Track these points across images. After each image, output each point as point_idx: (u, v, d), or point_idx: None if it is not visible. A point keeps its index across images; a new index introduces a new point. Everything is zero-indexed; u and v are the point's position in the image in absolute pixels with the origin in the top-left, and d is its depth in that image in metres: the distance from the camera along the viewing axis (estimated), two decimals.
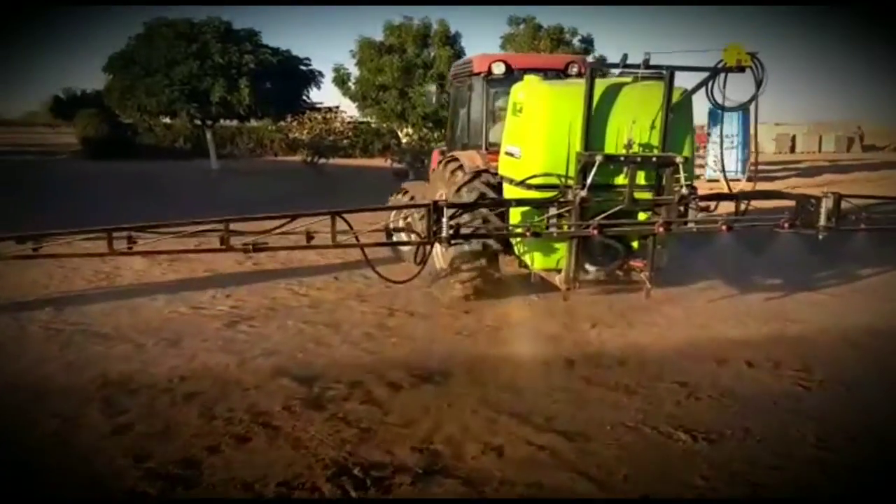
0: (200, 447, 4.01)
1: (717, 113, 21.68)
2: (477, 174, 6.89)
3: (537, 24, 21.09)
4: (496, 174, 6.84)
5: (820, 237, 6.28)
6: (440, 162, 7.91)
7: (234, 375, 5.16)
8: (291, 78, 25.71)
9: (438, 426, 4.34)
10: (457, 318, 6.78)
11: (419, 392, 4.92)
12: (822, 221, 6.08)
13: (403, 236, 7.54)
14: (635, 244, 6.41)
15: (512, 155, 6.42)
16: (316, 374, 5.21)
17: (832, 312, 7.09)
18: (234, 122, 29.42)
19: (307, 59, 26.38)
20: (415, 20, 23.75)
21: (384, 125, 28.30)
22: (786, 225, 6.20)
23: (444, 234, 5.55)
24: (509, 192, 6.40)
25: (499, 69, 7.39)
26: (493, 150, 7.30)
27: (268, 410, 4.52)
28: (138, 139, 33.75)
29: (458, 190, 6.85)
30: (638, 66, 5.72)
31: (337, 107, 28.03)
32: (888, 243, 8.70)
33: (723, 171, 7.03)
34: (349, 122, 28.29)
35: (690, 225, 6.08)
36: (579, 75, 6.91)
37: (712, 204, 6.51)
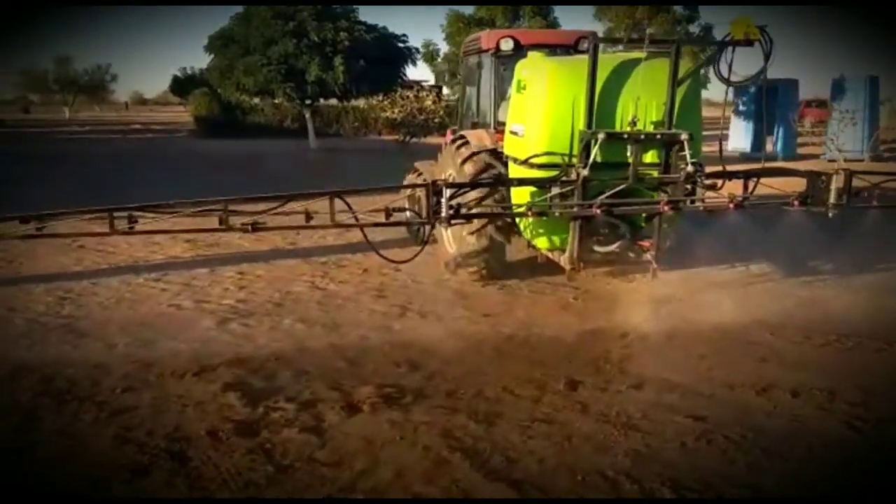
0: (91, 479, 3.51)
1: (841, 85, 19.97)
2: (488, 165, 6.65)
3: None
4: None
5: (830, 215, 6.01)
6: (450, 141, 7.72)
7: (184, 387, 4.62)
8: (387, 55, 25.11)
9: (373, 467, 3.63)
10: (473, 323, 6.04)
11: (376, 418, 4.21)
12: (833, 199, 5.86)
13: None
14: (643, 224, 6.16)
15: (516, 133, 6.18)
16: (274, 388, 4.62)
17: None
18: (334, 102, 29.32)
19: (404, 35, 25.82)
20: None
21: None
22: (796, 203, 6.00)
23: (443, 213, 5.40)
24: (514, 171, 6.18)
25: (507, 45, 7.11)
26: (501, 129, 6.86)
27: (190, 435, 3.96)
28: (248, 118, 34.59)
29: (463, 163, 6.74)
30: (642, 41, 5.61)
31: (428, 83, 27.29)
32: None
33: (720, 147, 6.43)
34: (441, 100, 27.07)
35: (697, 203, 5.89)
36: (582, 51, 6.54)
37: (719, 182, 6.20)
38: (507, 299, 6.77)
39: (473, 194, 6.16)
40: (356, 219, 5.66)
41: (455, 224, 5.98)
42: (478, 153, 6.74)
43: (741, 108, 22.57)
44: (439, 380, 4.80)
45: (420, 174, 8.50)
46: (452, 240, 7.30)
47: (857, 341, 5.50)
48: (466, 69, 8.50)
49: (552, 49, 6.75)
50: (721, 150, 6.45)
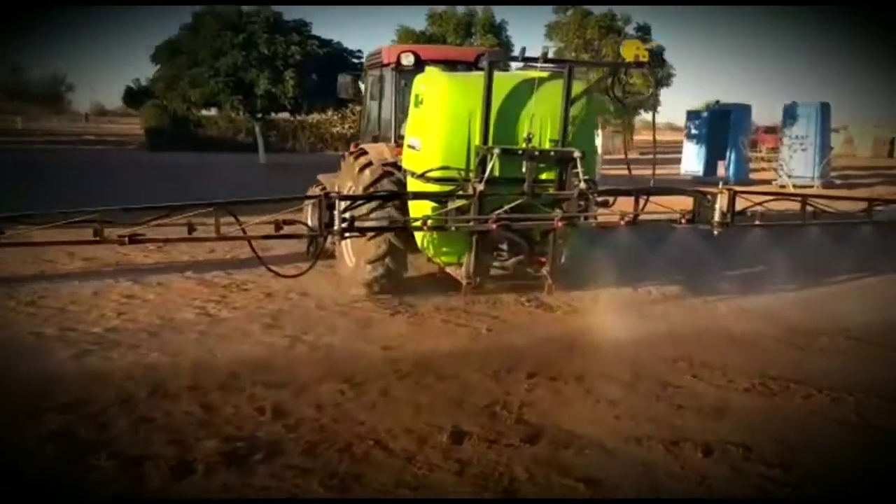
0: None
1: (793, 111, 19.89)
2: (385, 174, 6.65)
3: (585, 10, 19.02)
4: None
5: (715, 233, 6.09)
6: (349, 154, 7.72)
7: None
8: (340, 70, 24.40)
9: None
10: (367, 357, 5.39)
11: (207, 482, 3.49)
12: (717, 217, 5.98)
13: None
14: (538, 240, 6.14)
15: (413, 147, 6.21)
16: (103, 440, 3.89)
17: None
18: (286, 115, 28.58)
19: (359, 51, 25.02)
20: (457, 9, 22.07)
21: None
22: (683, 220, 6.14)
23: (336, 226, 5.25)
24: (412, 185, 6.17)
25: (407, 60, 7.15)
26: (401, 142, 6.79)
27: None
28: (200, 131, 33.67)
29: (360, 174, 6.80)
30: (537, 60, 5.66)
31: None
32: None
33: (626, 161, 7.20)
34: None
35: (590, 220, 5.94)
36: (478, 69, 6.43)
37: (611, 199, 6.29)
38: (414, 329, 6.16)
39: (370, 205, 6.03)
40: (243, 231, 5.28)
41: (353, 236, 5.86)
42: (372, 164, 6.76)
43: (693, 131, 22.44)
44: (305, 430, 4.13)
45: (323, 187, 8.18)
46: (352, 253, 7.17)
47: (784, 385, 4.98)
48: (369, 83, 8.49)
49: (453, 65, 6.64)
50: (628, 169, 6.87)
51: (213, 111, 28.72)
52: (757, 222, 6.21)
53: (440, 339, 5.90)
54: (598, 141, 15.22)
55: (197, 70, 22.75)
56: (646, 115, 19.98)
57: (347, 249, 7.29)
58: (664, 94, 22.60)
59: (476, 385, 4.92)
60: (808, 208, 6.72)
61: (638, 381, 5.04)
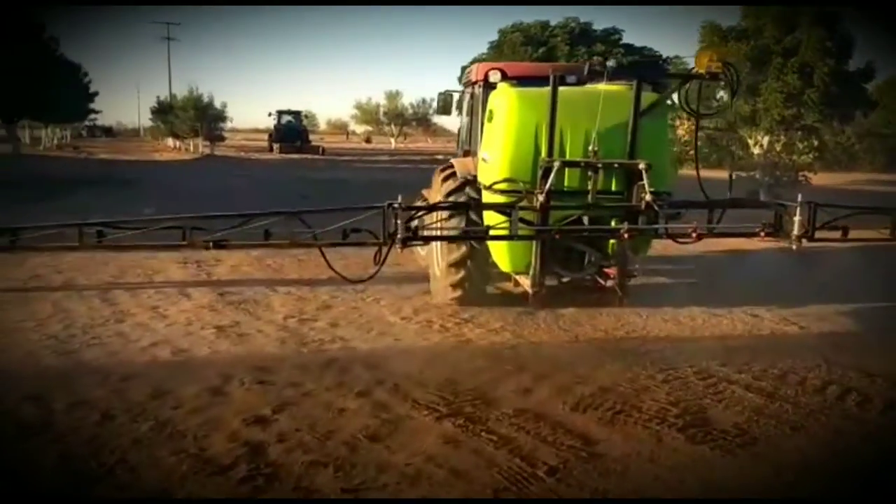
0: None
1: None
2: (461, 186, 6.93)
3: None
4: None
5: (793, 247, 5.91)
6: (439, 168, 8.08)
7: None
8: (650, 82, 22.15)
9: None
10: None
11: None
12: (797, 231, 5.77)
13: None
14: (609, 251, 6.26)
15: (485, 160, 6.42)
16: None
17: None
18: None
19: (676, 57, 22.62)
20: None
21: (723, 131, 20.51)
22: (762, 234, 6.01)
23: (400, 235, 5.40)
24: (485, 196, 6.35)
25: (494, 77, 7.17)
26: None
27: None
28: None
29: (442, 186, 7.19)
30: (603, 74, 5.59)
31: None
32: None
33: (697, 175, 6.27)
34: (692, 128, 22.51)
35: (660, 231, 5.92)
36: (579, 83, 6.39)
37: (683, 211, 6.24)
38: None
39: (442, 215, 6.32)
40: (314, 237, 5.62)
41: (413, 245, 6.01)
42: (453, 177, 7.11)
43: None
44: None
45: (424, 199, 8.51)
46: (439, 261, 7.45)
47: None
48: (464, 99, 8.80)
49: (538, 81, 6.33)
50: (700, 180, 6.22)
51: None
52: (840, 235, 5.89)
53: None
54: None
55: None
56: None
57: (435, 260, 7.60)
58: None
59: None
60: None
61: None
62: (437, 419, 4.56)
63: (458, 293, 7.10)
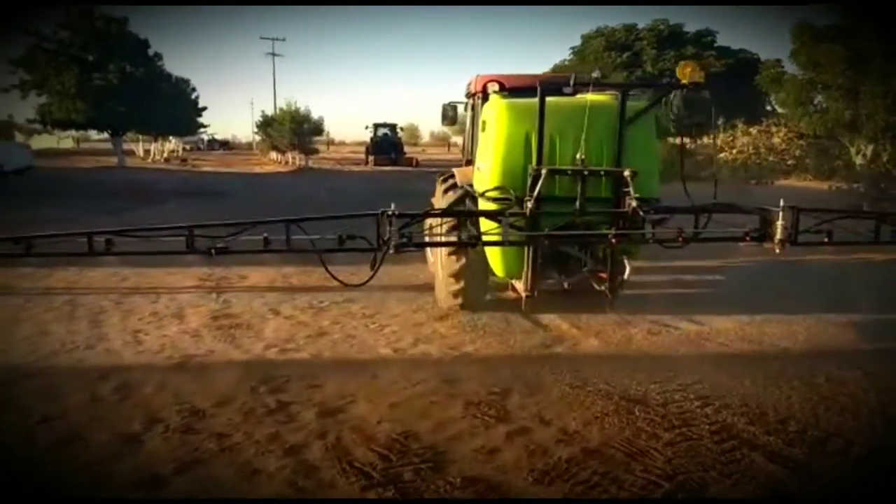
0: None
1: None
2: (464, 196, 7.07)
3: None
4: None
5: (777, 251, 5.70)
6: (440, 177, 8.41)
7: None
8: (745, 82, 20.43)
9: None
10: None
11: None
12: (779, 235, 5.64)
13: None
14: (600, 255, 6.45)
15: (480, 169, 6.62)
16: None
17: None
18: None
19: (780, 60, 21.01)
20: None
21: (822, 139, 18.68)
22: (747, 238, 5.89)
23: (393, 241, 5.34)
24: (480, 204, 6.43)
25: (492, 89, 7.26)
26: None
27: None
28: None
29: (443, 196, 7.52)
30: (588, 84, 5.65)
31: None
32: None
33: (683, 183, 6.10)
34: (791, 136, 19.93)
35: (647, 236, 6.02)
36: (575, 93, 6.23)
37: (669, 217, 6.18)
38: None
39: (440, 223, 6.43)
40: (312, 244, 5.52)
41: (408, 251, 5.80)
42: (455, 187, 7.42)
43: None
44: None
45: (432, 207, 8.59)
46: (440, 270, 7.59)
47: None
48: (467, 110, 9.00)
49: (533, 92, 6.36)
50: (685, 186, 6.06)
51: None
52: (825, 239, 5.72)
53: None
54: None
55: None
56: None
57: (439, 269, 7.75)
58: None
59: None
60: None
61: None
62: (363, 489, 3.74)
63: (459, 300, 7.32)
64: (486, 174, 6.31)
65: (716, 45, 21.88)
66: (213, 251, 5.38)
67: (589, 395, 5.13)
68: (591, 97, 5.98)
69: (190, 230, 5.43)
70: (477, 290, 7.30)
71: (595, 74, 5.64)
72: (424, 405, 4.92)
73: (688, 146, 27.03)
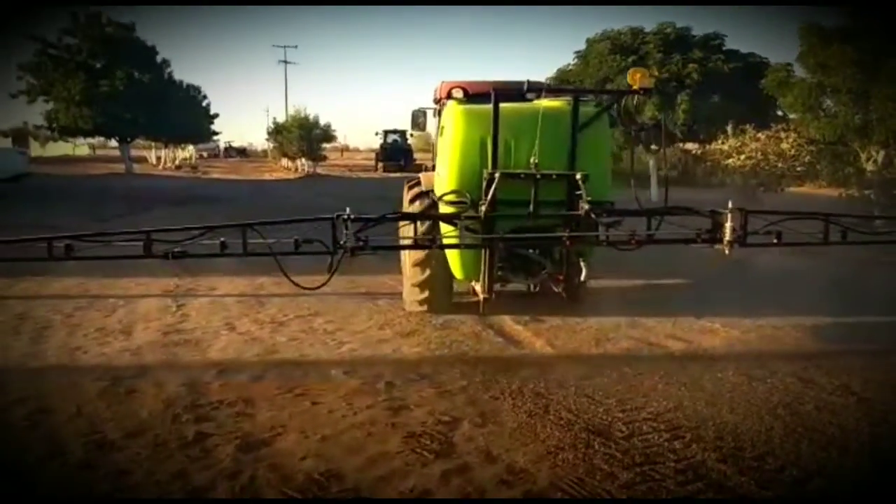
0: None
1: None
2: (433, 202, 6.87)
3: None
4: None
5: (727, 252, 5.63)
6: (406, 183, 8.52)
7: None
8: (750, 89, 19.50)
9: None
10: None
11: None
12: (728, 237, 5.58)
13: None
14: (556, 258, 6.58)
15: (439, 174, 6.81)
16: None
17: None
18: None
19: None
20: None
21: (826, 145, 17.60)
22: (699, 240, 5.89)
23: (349, 244, 5.28)
24: (440, 208, 6.42)
25: (457, 94, 7.21)
26: None
27: None
28: None
29: (410, 203, 7.61)
30: (541, 90, 6.16)
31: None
32: None
33: (633, 187, 6.23)
34: (801, 141, 18.83)
35: (601, 238, 6.00)
36: (538, 98, 6.46)
37: (621, 219, 6.18)
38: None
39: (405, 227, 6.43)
40: (269, 248, 5.40)
41: (364, 254, 5.68)
42: (422, 193, 7.47)
43: None
44: None
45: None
46: (406, 276, 7.81)
47: None
48: (436, 116, 8.97)
49: (502, 97, 6.27)
50: (635, 191, 6.24)
51: None
52: (774, 241, 5.72)
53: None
54: None
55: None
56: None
57: (405, 274, 7.93)
58: None
59: None
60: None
61: None
62: None
63: (425, 307, 7.52)
64: (443, 178, 6.38)
65: (724, 48, 21.18)
66: (170, 255, 5.27)
67: (547, 426, 4.61)
68: (545, 103, 6.14)
69: (147, 234, 5.29)
70: (441, 295, 7.45)
71: (545, 81, 5.51)
72: (359, 438, 4.42)
73: (695, 152, 26.87)
